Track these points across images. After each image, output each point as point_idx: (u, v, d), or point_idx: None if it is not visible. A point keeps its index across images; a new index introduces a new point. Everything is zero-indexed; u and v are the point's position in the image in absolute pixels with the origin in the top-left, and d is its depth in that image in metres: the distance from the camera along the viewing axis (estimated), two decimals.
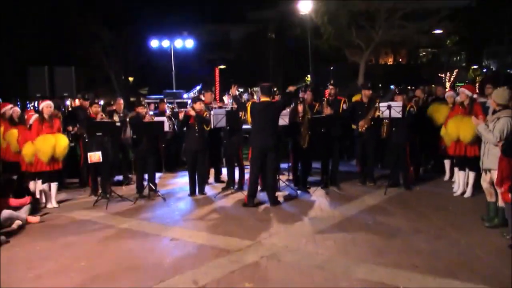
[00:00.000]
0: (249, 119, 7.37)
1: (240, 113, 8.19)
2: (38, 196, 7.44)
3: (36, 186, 7.53)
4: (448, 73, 32.72)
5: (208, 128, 8.17)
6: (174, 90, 18.96)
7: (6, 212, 6.19)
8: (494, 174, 5.60)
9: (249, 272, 4.58)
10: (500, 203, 5.69)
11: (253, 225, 6.22)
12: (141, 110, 8.47)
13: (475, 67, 33.02)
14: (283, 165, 9.27)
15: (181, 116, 8.25)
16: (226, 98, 9.64)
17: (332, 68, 13.93)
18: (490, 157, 5.66)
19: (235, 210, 7.18)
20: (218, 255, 5.06)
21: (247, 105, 7.59)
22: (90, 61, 26.52)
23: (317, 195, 7.88)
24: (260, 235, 5.73)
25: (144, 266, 4.85)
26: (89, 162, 7.83)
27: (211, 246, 5.39)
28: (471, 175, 7.37)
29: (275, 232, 5.87)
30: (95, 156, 7.71)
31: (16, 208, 6.51)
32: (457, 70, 33.21)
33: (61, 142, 7.44)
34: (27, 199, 6.90)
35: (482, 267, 4.56)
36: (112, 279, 4.54)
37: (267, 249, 5.22)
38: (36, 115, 7.83)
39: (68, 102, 11.86)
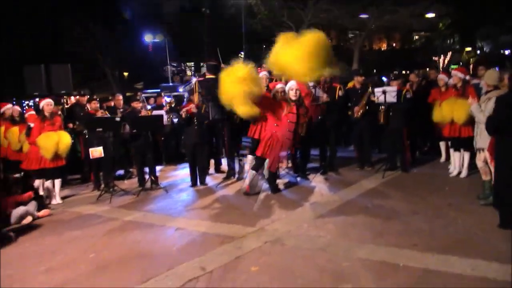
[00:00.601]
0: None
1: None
2: (42, 193, 7.55)
3: (41, 183, 7.64)
4: (442, 56, 32.80)
5: (206, 122, 8.25)
6: (171, 84, 19.05)
7: (21, 209, 6.37)
8: (488, 153, 5.75)
9: (254, 257, 4.71)
10: None
11: (255, 213, 6.34)
12: (136, 105, 8.59)
13: (469, 49, 33.11)
14: (282, 153, 9.37)
15: (183, 113, 8.20)
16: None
17: None
18: (483, 136, 5.80)
19: (237, 199, 7.30)
20: (223, 242, 5.18)
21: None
22: (83, 57, 26.40)
23: (317, 181, 8.01)
24: (263, 221, 5.85)
25: (152, 255, 4.99)
26: (91, 157, 7.94)
27: (215, 234, 5.51)
28: (466, 155, 7.51)
29: (277, 218, 6.00)
30: (96, 152, 7.82)
31: (25, 203, 6.62)
32: (450, 52, 33.28)
33: (63, 139, 7.55)
34: (30, 193, 6.95)
35: (479, 243, 4.70)
36: (122, 268, 4.67)
37: (270, 235, 5.35)
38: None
39: (63, 99, 11.89)
